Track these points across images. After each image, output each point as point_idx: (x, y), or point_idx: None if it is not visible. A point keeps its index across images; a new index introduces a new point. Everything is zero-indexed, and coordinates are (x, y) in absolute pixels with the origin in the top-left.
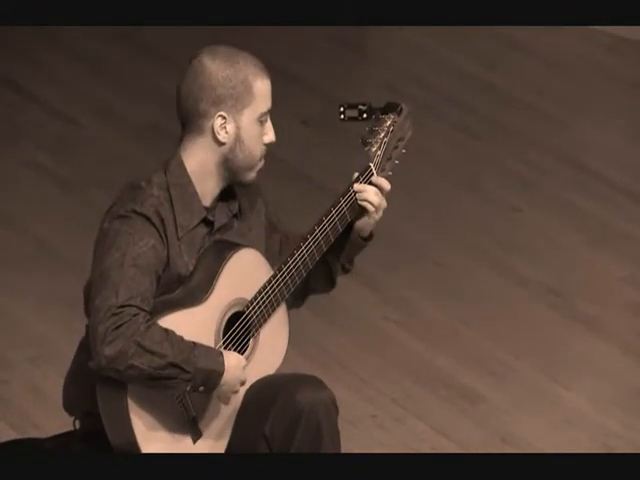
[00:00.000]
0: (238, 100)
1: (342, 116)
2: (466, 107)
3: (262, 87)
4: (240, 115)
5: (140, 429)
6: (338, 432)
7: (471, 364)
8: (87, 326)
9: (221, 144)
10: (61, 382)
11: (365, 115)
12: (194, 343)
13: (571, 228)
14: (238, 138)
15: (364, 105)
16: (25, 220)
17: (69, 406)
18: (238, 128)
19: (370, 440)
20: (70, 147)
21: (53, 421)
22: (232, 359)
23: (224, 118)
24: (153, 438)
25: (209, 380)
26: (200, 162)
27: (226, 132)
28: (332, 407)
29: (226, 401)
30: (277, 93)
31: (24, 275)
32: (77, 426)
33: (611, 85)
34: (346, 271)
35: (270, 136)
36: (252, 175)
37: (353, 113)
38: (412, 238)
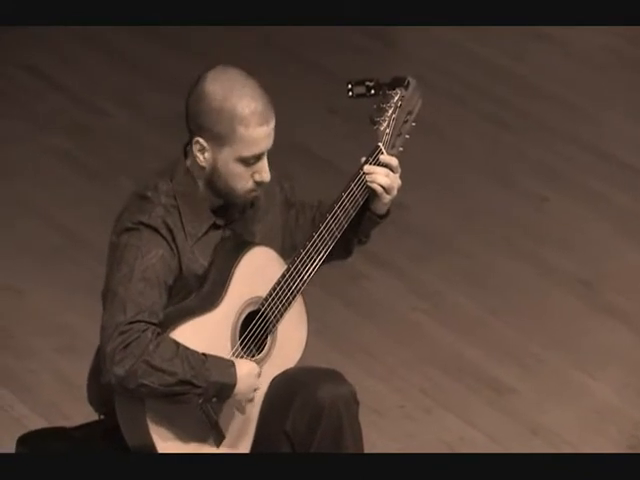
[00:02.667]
0: (218, 136)
1: (350, 93)
2: (495, 99)
3: (247, 134)
4: (219, 149)
5: (160, 440)
6: (359, 426)
7: (500, 355)
8: None
9: (202, 168)
10: (87, 371)
11: (373, 91)
12: (205, 355)
13: (599, 219)
14: (215, 168)
15: (371, 81)
16: (51, 209)
17: (93, 403)
18: (215, 160)
19: (398, 430)
20: (96, 136)
21: (81, 410)
22: (244, 368)
23: (202, 146)
24: (174, 447)
25: (221, 392)
26: (196, 175)
27: (204, 158)
28: (352, 402)
29: (241, 409)
30: (307, 84)
31: (50, 264)
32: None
33: (638, 76)
34: (362, 243)
35: (262, 176)
36: (242, 200)
37: (361, 90)
38: (441, 229)
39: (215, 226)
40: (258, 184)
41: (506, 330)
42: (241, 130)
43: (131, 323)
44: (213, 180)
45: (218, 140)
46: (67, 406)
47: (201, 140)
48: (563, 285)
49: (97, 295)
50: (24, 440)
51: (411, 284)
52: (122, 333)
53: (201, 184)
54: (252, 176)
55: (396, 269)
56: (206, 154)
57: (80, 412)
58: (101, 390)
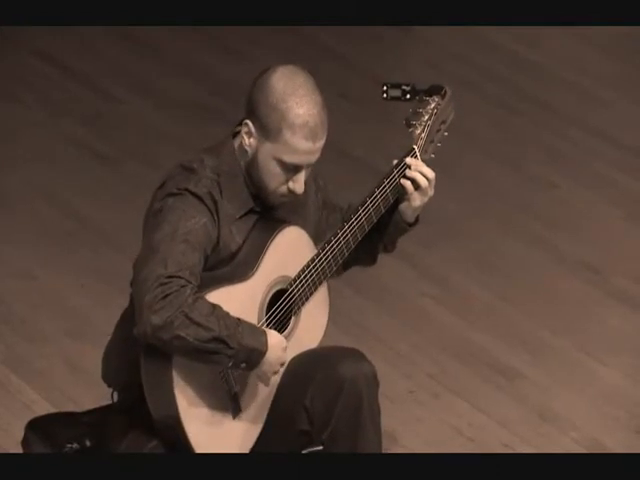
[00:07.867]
0: (266, 129)
1: (385, 95)
2: (507, 84)
3: (291, 141)
4: (263, 141)
5: (183, 403)
6: (378, 406)
7: (509, 340)
8: (132, 296)
9: (245, 151)
10: (98, 357)
11: (408, 96)
12: (239, 320)
13: (610, 204)
14: (255, 157)
15: (407, 86)
16: (65, 195)
17: (108, 377)
18: (257, 149)
19: (408, 415)
20: (110, 122)
21: (89, 395)
22: (274, 339)
23: (249, 130)
24: (195, 413)
25: (251, 358)
26: (240, 157)
27: (249, 142)
28: (373, 380)
29: (266, 382)
30: (319, 68)
31: (64, 249)
32: (115, 398)
33: None
34: (388, 251)
35: (295, 187)
36: (272, 199)
37: (396, 93)
38: (450, 214)
39: (253, 211)
40: (290, 191)
41: (515, 315)
42: (287, 134)
43: (171, 277)
44: (252, 168)
45: (264, 132)
46: (77, 391)
47: (250, 124)
48: (573, 271)
49: (109, 280)
50: (33, 425)
51: (420, 270)
52: (162, 284)
53: (243, 167)
54: (287, 182)
55: (405, 255)
56: (251, 139)
57: (90, 397)
58: (120, 360)
